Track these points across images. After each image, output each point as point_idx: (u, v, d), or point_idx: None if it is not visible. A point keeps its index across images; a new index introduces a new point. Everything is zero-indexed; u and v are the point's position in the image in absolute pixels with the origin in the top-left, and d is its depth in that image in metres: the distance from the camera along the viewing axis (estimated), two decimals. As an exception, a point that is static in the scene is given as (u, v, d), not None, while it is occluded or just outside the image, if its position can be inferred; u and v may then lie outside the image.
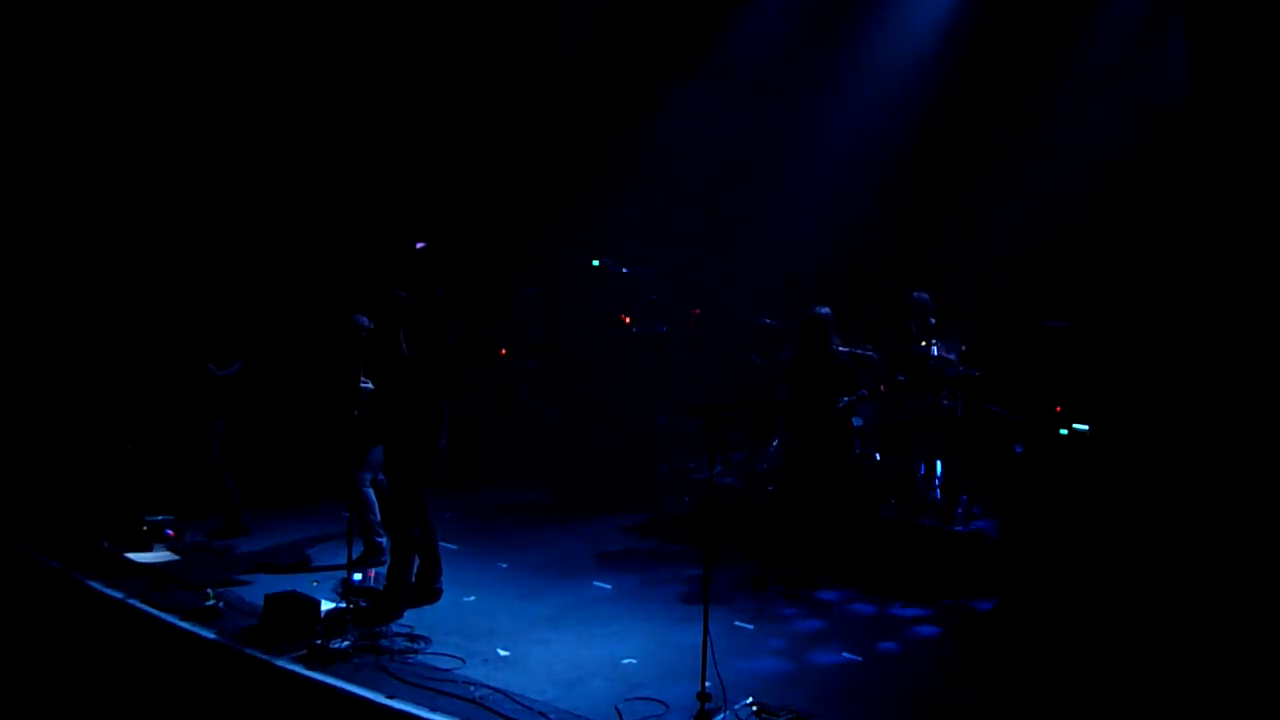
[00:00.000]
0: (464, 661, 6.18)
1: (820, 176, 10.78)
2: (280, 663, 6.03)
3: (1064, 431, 8.36)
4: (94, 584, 7.11)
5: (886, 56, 10.65)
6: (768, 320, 10.01)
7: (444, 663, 6.14)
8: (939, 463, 8.81)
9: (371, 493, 7.85)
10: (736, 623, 6.94)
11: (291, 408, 9.95)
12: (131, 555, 7.65)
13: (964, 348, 9.01)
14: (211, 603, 6.67)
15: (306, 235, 11.14)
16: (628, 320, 10.50)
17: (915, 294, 9.16)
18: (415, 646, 6.34)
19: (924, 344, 8.88)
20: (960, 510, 8.44)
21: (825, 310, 8.21)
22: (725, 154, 11.39)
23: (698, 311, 11.15)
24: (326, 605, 6.65)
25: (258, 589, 7.06)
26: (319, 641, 6.11)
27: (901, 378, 8.97)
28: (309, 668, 5.95)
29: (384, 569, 7.40)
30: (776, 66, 11.12)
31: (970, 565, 7.89)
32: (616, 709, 5.67)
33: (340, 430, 7.68)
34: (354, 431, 7.50)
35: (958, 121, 10.26)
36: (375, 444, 7.67)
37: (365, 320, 7.75)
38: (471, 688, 5.79)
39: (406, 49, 11.23)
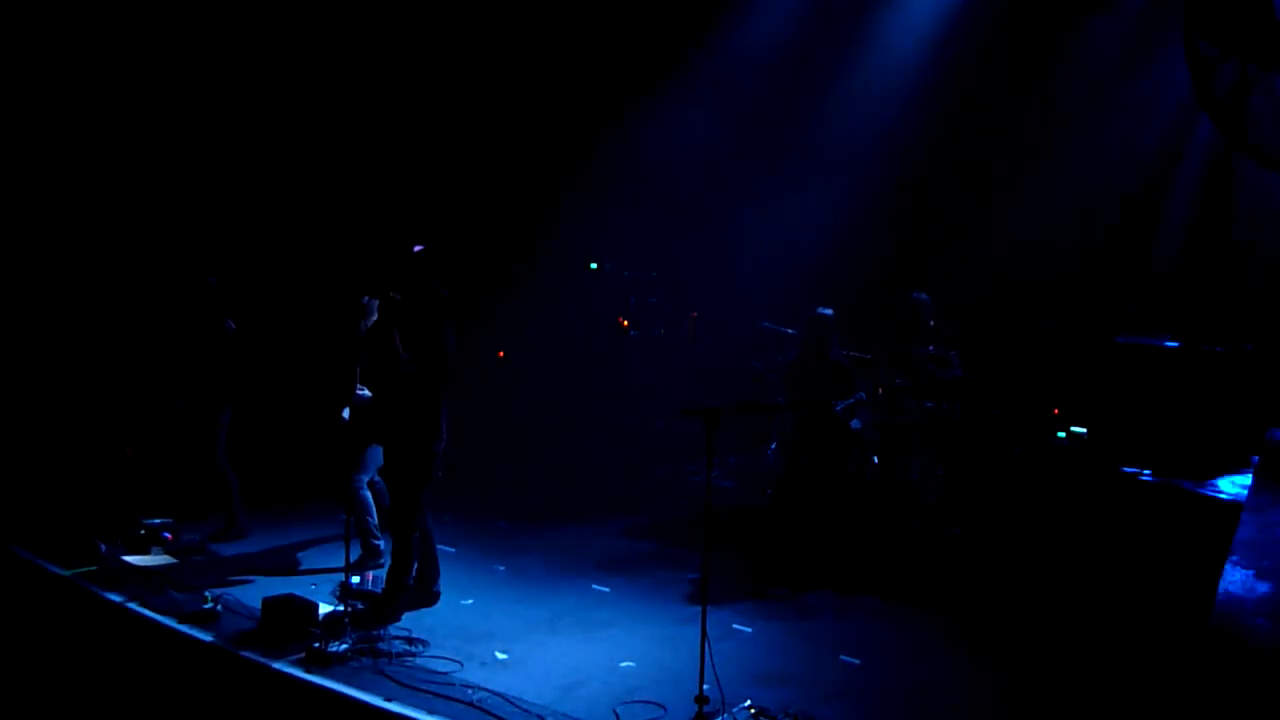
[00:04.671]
0: (462, 664, 6.17)
1: (817, 179, 10.79)
2: (278, 665, 6.02)
3: (1061, 434, 8.39)
4: (91, 587, 7.10)
5: (883, 58, 10.66)
6: (767, 324, 10.00)
7: (442, 665, 6.14)
8: (937, 466, 8.81)
9: (368, 495, 7.82)
10: (735, 625, 6.94)
11: (289, 409, 9.95)
12: (129, 558, 7.63)
13: (962, 350, 9.01)
14: (209, 606, 6.67)
15: (304, 236, 11.14)
16: (625, 323, 10.51)
17: (914, 294, 9.15)
18: (413, 649, 6.33)
19: (922, 346, 8.88)
20: (959, 513, 8.43)
21: (828, 311, 8.20)
22: (722, 155, 11.40)
23: (696, 315, 11.16)
24: (324, 608, 6.65)
25: (255, 592, 7.05)
26: (317, 644, 6.10)
27: (900, 381, 8.97)
28: (307, 670, 5.95)
29: (382, 572, 7.40)
30: (772, 68, 11.13)
31: (969, 567, 7.90)
32: (615, 711, 5.67)
33: (336, 432, 7.67)
34: (349, 433, 7.50)
35: (963, 123, 10.29)
36: (372, 445, 7.65)
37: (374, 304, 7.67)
38: (469, 690, 5.79)
39: (403, 46, 11.21)
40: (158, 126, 10.54)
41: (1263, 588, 5.33)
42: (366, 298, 7.55)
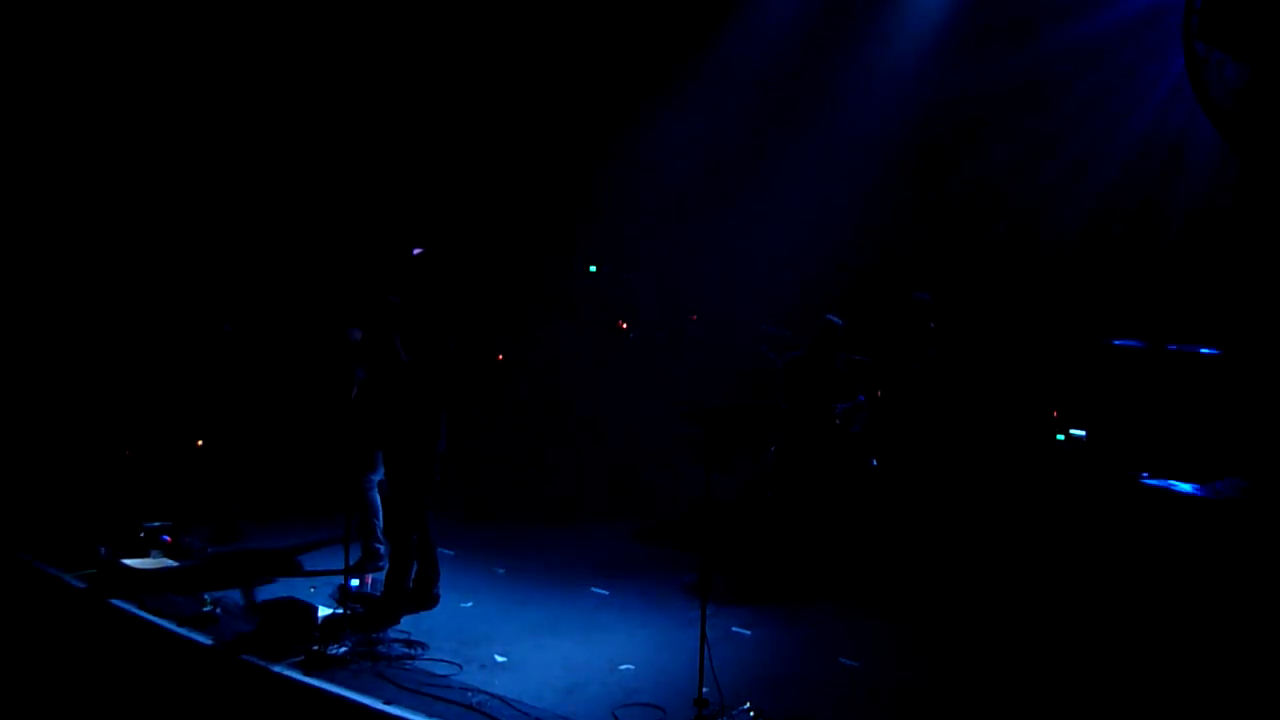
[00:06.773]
0: (461, 667, 6.18)
1: (814, 183, 10.80)
2: (277, 668, 6.03)
3: (1060, 437, 8.39)
4: (91, 590, 7.09)
5: (878, 59, 10.68)
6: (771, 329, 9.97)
7: (441, 668, 6.14)
8: (935, 469, 8.80)
9: (377, 496, 7.82)
10: (734, 628, 6.94)
11: (290, 413, 9.95)
12: (129, 561, 7.63)
13: (960, 352, 9.00)
14: (208, 609, 6.67)
15: (304, 240, 11.14)
16: (624, 326, 10.51)
17: (915, 294, 9.14)
18: (412, 652, 6.34)
19: (921, 349, 8.87)
20: (958, 516, 8.42)
21: (838, 321, 8.26)
22: (719, 159, 11.39)
23: (695, 318, 11.16)
24: (324, 611, 6.66)
25: (255, 594, 7.05)
26: (316, 647, 6.11)
27: (898, 383, 8.95)
28: (306, 673, 5.95)
29: (381, 574, 7.40)
30: (770, 72, 11.14)
31: (967, 570, 7.90)
32: (614, 714, 5.68)
33: (338, 436, 7.68)
34: (351, 436, 7.49)
35: (958, 122, 10.30)
36: (380, 447, 7.65)
37: (356, 333, 7.75)
38: (469, 693, 5.80)
39: (405, 53, 11.22)
40: (156, 134, 10.54)
41: None
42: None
